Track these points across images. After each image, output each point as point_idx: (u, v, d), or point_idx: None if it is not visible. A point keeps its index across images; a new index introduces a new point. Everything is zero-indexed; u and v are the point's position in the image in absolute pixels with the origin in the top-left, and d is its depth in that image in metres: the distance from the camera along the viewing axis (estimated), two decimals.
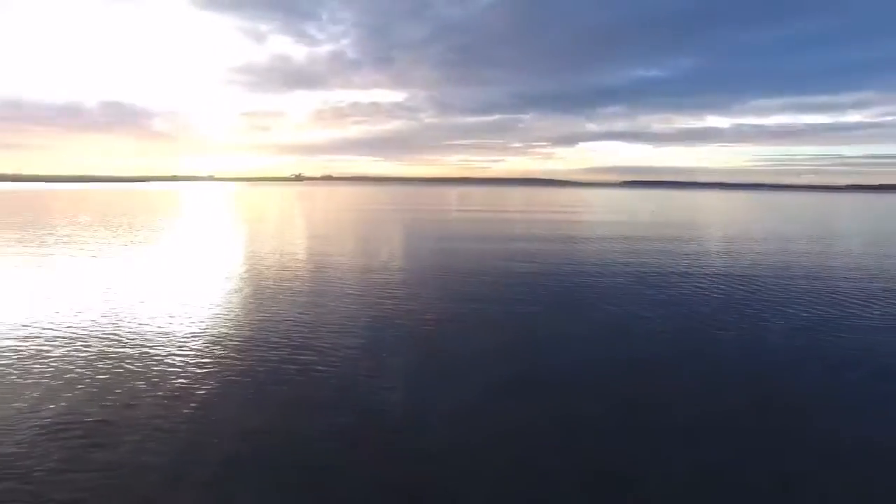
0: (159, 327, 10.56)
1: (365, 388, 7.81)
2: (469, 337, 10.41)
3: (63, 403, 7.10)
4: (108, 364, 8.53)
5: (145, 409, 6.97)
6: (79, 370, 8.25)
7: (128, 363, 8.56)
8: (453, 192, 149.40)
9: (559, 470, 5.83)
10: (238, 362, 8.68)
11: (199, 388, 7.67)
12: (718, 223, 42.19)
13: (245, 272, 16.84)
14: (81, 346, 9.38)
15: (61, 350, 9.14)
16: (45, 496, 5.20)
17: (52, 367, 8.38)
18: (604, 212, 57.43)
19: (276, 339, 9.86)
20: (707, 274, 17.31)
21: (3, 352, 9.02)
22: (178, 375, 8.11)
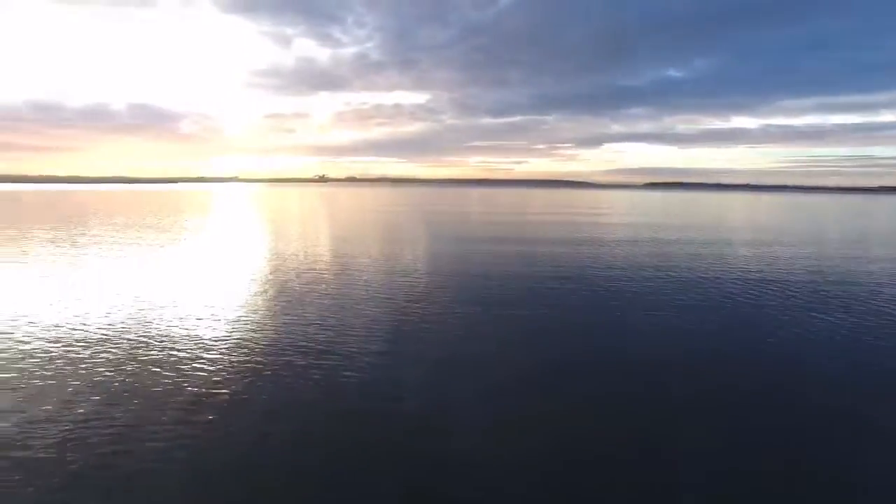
0: (186, 329, 10.54)
1: (389, 392, 7.69)
2: (494, 342, 10.16)
3: (90, 404, 7.09)
4: (136, 366, 8.51)
5: (170, 411, 6.94)
6: (107, 372, 8.23)
7: (155, 366, 8.53)
8: (475, 193, 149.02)
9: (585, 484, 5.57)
10: (263, 365, 8.60)
11: (223, 390, 7.62)
12: (750, 226, 40.89)
13: (270, 274, 16.79)
14: (110, 347, 9.39)
15: (89, 351, 9.16)
16: (72, 497, 5.19)
17: (81, 368, 8.38)
18: (630, 214, 56.22)
19: (300, 342, 9.79)
20: (737, 279, 16.66)
21: (34, 353, 9.06)
22: (202, 377, 8.06)
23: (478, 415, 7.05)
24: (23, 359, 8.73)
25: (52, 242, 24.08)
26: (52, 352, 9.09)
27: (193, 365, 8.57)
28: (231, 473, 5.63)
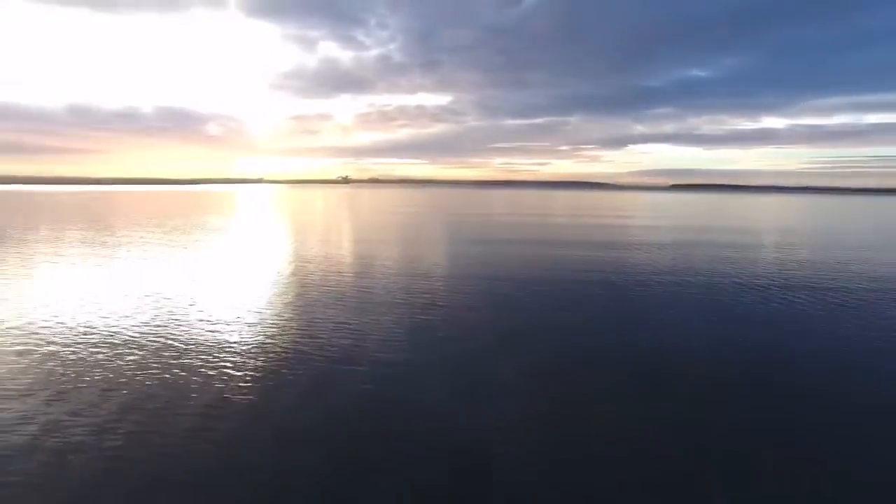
0: (209, 329, 10.63)
1: (409, 394, 7.66)
2: (516, 345, 10.03)
3: (115, 404, 7.16)
4: (159, 365, 8.59)
5: (192, 412, 6.99)
6: (131, 371, 8.33)
7: (178, 366, 8.59)
8: (498, 195, 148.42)
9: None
10: (285, 365, 8.61)
11: (244, 391, 7.65)
12: (781, 228, 39.58)
13: (296, 274, 16.84)
14: (136, 346, 9.51)
15: (116, 350, 9.28)
16: (96, 496, 5.23)
17: (107, 367, 8.48)
18: (657, 216, 55.24)
19: (322, 343, 9.81)
20: (768, 285, 16.14)
21: (60, 353, 9.20)
22: (224, 378, 8.09)
23: (498, 418, 6.96)
24: (49, 358, 8.87)
25: (84, 242, 24.67)
26: (78, 351, 9.23)
27: (216, 365, 8.62)
28: (254, 473, 5.64)
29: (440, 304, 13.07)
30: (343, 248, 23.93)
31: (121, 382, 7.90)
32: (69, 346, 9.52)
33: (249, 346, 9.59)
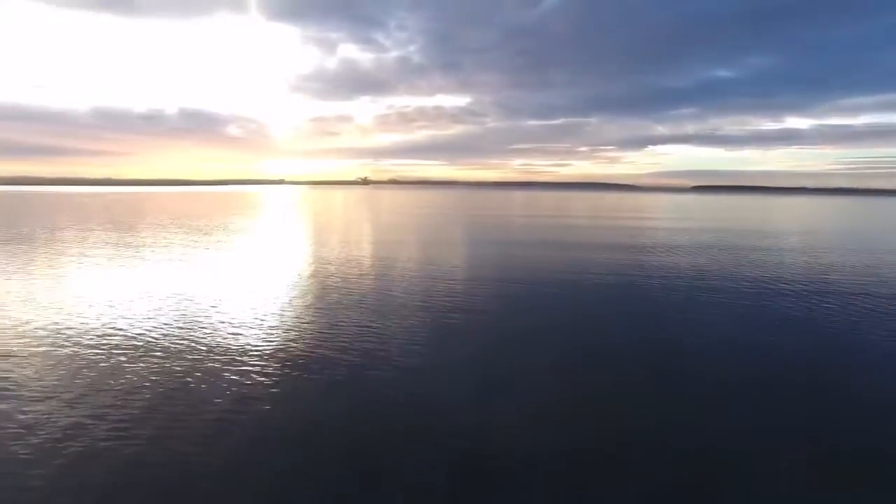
0: (231, 333, 10.58)
1: (431, 396, 7.61)
2: (536, 347, 9.92)
3: (135, 406, 7.12)
4: (181, 366, 8.57)
5: (214, 415, 6.96)
6: (152, 374, 8.30)
7: (197, 371, 8.54)
8: (518, 196, 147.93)
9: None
10: (305, 369, 8.53)
11: (265, 393, 7.61)
12: (809, 231, 38.43)
13: (316, 276, 16.80)
14: (157, 349, 9.49)
15: (136, 354, 9.27)
16: (118, 499, 5.23)
17: (127, 369, 8.47)
18: (680, 219, 54.09)
19: (343, 345, 9.76)
20: (794, 290, 15.62)
21: (81, 354, 9.23)
22: (246, 379, 8.03)
23: (516, 418, 6.88)
24: (71, 358, 8.89)
25: (109, 243, 25.13)
26: (101, 352, 9.26)
27: (237, 367, 8.58)
28: (275, 476, 5.63)
29: (460, 305, 12.94)
30: (363, 250, 23.93)
31: (143, 384, 7.87)
32: (91, 347, 9.54)
33: (271, 349, 9.54)
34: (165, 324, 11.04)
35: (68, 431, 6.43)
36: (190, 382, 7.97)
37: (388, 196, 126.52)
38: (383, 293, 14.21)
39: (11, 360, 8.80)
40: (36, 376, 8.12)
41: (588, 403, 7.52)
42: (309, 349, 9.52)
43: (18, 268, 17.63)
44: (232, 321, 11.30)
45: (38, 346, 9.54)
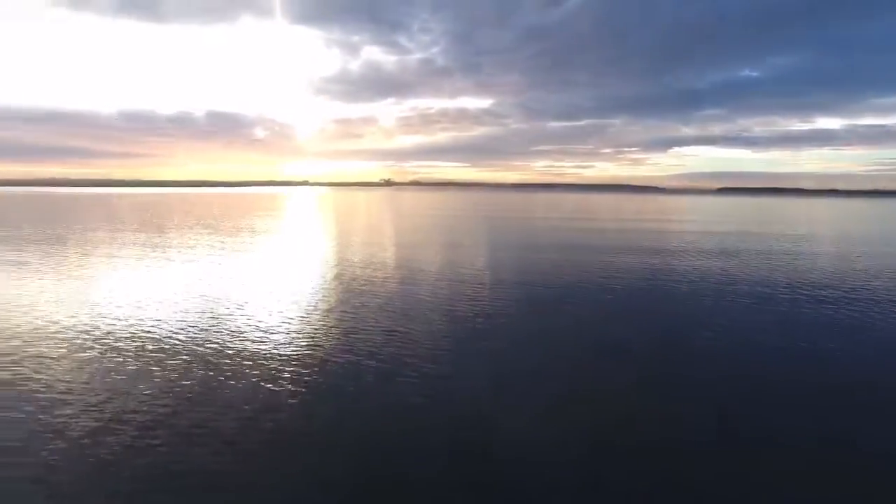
0: (257, 336, 10.48)
1: (455, 401, 7.49)
2: (564, 352, 9.72)
3: (160, 407, 7.04)
4: (205, 370, 8.46)
5: (238, 416, 6.90)
6: (177, 376, 8.22)
7: (220, 375, 8.42)
8: (540, 198, 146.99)
9: None
10: (329, 372, 8.39)
11: (289, 397, 7.51)
12: (844, 235, 36.88)
13: (340, 277, 16.69)
14: (182, 351, 9.41)
15: (163, 355, 9.21)
16: (140, 498, 5.27)
17: (152, 371, 8.40)
18: (705, 222, 52.74)
19: (370, 349, 9.61)
20: (825, 296, 14.83)
21: (106, 355, 9.20)
22: (270, 383, 7.91)
23: (538, 424, 6.70)
24: (96, 359, 8.86)
25: (137, 244, 25.53)
26: (127, 352, 9.22)
27: (262, 369, 8.46)
28: (299, 477, 5.63)
29: (486, 310, 12.71)
30: (387, 252, 23.85)
31: (169, 387, 7.79)
32: (118, 349, 9.51)
33: (296, 352, 9.41)
34: (192, 326, 11.02)
35: (95, 434, 6.37)
36: (215, 386, 7.89)
37: (411, 198, 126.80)
38: (407, 296, 14.06)
39: (39, 360, 8.80)
40: (63, 378, 8.08)
41: (617, 409, 7.35)
42: (334, 353, 9.39)
43: (51, 268, 17.91)
44: (258, 324, 11.22)
45: (67, 347, 9.54)
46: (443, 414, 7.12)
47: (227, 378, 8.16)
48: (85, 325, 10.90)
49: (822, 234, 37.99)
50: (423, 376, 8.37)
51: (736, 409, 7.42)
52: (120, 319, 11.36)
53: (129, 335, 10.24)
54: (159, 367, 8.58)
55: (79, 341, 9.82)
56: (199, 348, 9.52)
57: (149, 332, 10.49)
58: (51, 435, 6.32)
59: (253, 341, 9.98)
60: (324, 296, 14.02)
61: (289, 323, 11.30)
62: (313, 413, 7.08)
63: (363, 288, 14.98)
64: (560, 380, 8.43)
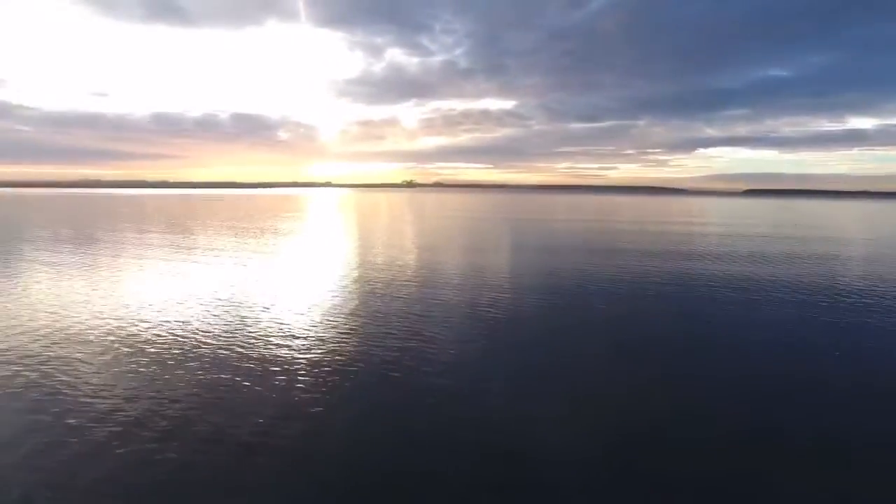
0: (279, 337, 10.47)
1: (477, 400, 7.53)
2: (586, 354, 9.71)
3: (178, 411, 7.05)
4: (228, 370, 8.49)
5: (258, 420, 6.90)
6: (201, 376, 8.25)
7: (243, 376, 8.41)
8: (563, 199, 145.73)
9: None
10: (351, 374, 8.35)
11: (309, 400, 7.54)
12: (879, 237, 35.35)
13: (362, 280, 16.66)
14: (205, 352, 9.45)
15: (187, 356, 9.23)
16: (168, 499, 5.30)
17: (173, 372, 8.42)
18: (731, 224, 51.18)
19: (393, 353, 9.54)
20: (855, 302, 14.30)
21: (130, 354, 9.27)
22: (291, 385, 7.90)
23: (559, 425, 6.74)
24: (120, 359, 8.93)
25: (164, 245, 25.94)
26: (148, 352, 9.29)
27: (283, 372, 8.45)
28: (321, 480, 5.64)
29: (510, 313, 12.58)
30: (410, 253, 23.81)
31: (190, 389, 7.81)
32: (141, 350, 9.59)
33: (317, 355, 9.37)
34: (214, 326, 11.09)
35: (115, 435, 6.42)
36: (235, 388, 7.90)
37: (433, 199, 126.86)
38: (430, 298, 14.00)
39: (65, 361, 8.90)
40: (89, 380, 8.15)
41: (641, 409, 7.40)
42: (356, 356, 9.35)
43: (80, 268, 18.29)
44: (281, 326, 11.23)
45: (93, 348, 9.65)
46: (467, 415, 7.17)
47: (250, 381, 8.16)
48: (111, 326, 11.04)
49: (853, 236, 36.81)
50: (445, 377, 8.38)
51: (765, 408, 7.41)
52: (144, 321, 11.48)
53: (153, 336, 10.33)
54: (183, 370, 8.62)
55: (105, 343, 9.93)
56: (218, 352, 9.55)
57: (173, 333, 10.57)
58: (75, 439, 6.34)
59: (277, 345, 9.97)
60: (347, 298, 14.03)
61: (313, 325, 11.31)
62: (335, 419, 7.03)
63: (387, 290, 14.96)
64: (582, 381, 8.46)
